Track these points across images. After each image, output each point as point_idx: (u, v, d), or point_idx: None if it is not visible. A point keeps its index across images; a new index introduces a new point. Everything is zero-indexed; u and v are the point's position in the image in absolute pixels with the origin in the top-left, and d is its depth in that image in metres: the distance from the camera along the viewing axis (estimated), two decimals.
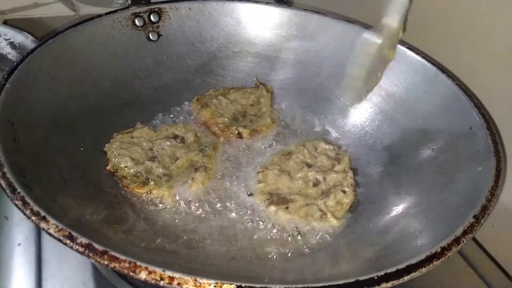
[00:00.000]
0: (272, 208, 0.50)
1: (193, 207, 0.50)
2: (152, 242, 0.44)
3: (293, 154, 0.57)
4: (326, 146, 0.58)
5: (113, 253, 0.29)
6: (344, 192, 0.52)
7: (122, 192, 0.50)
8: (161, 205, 0.49)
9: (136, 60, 0.61)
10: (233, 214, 0.50)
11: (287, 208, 0.50)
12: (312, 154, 0.58)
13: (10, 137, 0.40)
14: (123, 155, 0.51)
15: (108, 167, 0.51)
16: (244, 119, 0.62)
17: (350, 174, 0.55)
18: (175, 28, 0.63)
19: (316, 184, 0.54)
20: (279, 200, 0.51)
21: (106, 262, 0.29)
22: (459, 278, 0.53)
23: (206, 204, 0.50)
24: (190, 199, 0.50)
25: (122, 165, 0.51)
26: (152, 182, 0.50)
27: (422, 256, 0.32)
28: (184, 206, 0.50)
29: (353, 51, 0.56)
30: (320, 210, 0.50)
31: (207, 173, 0.53)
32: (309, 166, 0.56)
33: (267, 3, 0.66)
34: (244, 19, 0.65)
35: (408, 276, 0.31)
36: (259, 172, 0.54)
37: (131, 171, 0.51)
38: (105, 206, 0.46)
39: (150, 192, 0.50)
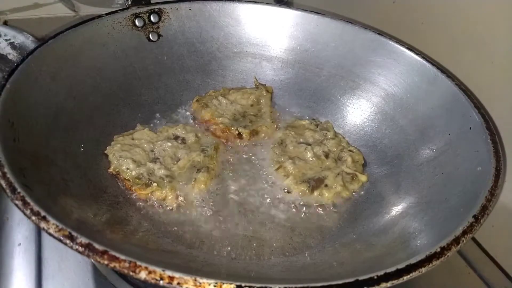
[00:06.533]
0: (315, 192, 0.52)
1: (195, 208, 0.50)
2: (154, 243, 0.44)
3: (287, 140, 0.58)
4: (302, 122, 0.62)
5: (113, 253, 0.29)
6: (351, 151, 0.57)
7: (124, 193, 0.50)
8: (163, 206, 0.49)
9: (136, 61, 0.61)
10: (235, 214, 0.50)
11: (326, 186, 0.52)
12: (298, 133, 0.60)
13: (10, 137, 0.40)
14: (124, 157, 0.51)
15: (110, 170, 0.51)
16: (244, 120, 0.62)
17: (340, 136, 0.60)
18: (175, 29, 0.63)
19: (327, 155, 0.56)
20: (316, 182, 0.53)
21: (106, 262, 0.29)
22: (459, 278, 0.53)
23: (209, 205, 0.50)
24: (192, 199, 0.50)
25: (123, 167, 0.51)
26: (154, 184, 0.50)
27: (422, 256, 0.32)
28: (186, 206, 0.50)
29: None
30: (347, 173, 0.54)
31: (209, 174, 0.53)
32: (307, 144, 0.57)
33: (267, 3, 0.66)
34: (244, 19, 0.65)
35: (408, 276, 0.31)
36: (277, 168, 0.55)
37: (133, 173, 0.51)
38: (107, 207, 0.46)
39: (153, 194, 0.50)
